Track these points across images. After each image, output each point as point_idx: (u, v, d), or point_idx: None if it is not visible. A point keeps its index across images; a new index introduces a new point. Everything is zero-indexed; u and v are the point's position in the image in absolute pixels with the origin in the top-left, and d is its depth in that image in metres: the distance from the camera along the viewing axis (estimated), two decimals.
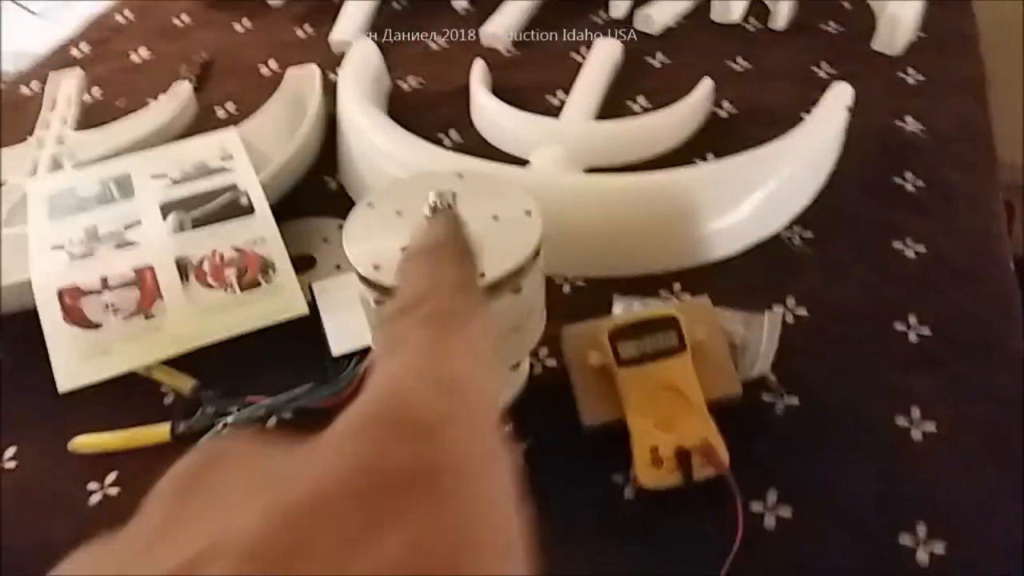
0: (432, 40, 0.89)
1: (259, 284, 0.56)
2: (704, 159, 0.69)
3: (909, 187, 0.64)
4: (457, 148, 0.75)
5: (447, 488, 0.17)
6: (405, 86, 0.83)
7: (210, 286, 0.56)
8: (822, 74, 0.77)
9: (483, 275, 0.42)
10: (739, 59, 0.80)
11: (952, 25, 0.82)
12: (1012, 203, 1.33)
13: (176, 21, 0.98)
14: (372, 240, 0.44)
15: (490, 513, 0.18)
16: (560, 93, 0.79)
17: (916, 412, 0.49)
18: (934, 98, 0.73)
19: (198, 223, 0.60)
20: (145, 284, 0.56)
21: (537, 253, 0.44)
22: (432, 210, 0.43)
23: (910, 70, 0.76)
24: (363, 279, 0.43)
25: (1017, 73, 1.28)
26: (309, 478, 0.17)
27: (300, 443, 0.19)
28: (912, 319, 0.54)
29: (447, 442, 0.18)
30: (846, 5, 0.86)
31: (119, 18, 1.01)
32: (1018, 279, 1.12)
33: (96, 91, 0.87)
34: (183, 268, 0.57)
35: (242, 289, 0.56)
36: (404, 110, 0.80)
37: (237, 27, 0.96)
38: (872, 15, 0.83)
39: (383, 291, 0.42)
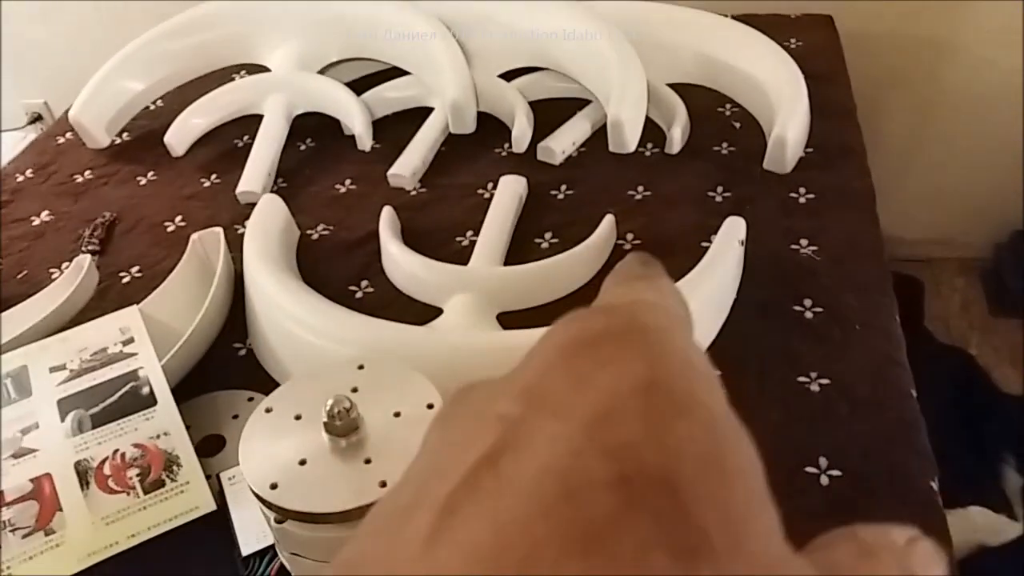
0: (340, 183, 0.90)
1: (163, 483, 0.54)
2: None
3: (808, 315, 0.66)
4: (369, 299, 0.75)
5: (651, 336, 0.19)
6: (315, 234, 0.83)
7: (112, 491, 0.54)
8: (718, 198, 0.80)
9: (384, 484, 0.41)
10: (639, 187, 0.83)
11: (838, 140, 0.86)
12: (919, 279, 1.38)
13: (78, 177, 0.97)
14: (271, 453, 0.43)
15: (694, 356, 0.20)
16: (469, 234, 0.80)
17: None
18: (825, 216, 0.76)
19: (98, 420, 0.58)
20: (43, 495, 0.54)
21: None
22: (330, 416, 0.43)
23: (801, 189, 0.79)
24: (260, 500, 0.42)
25: (926, 148, 1.36)
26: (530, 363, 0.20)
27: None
28: (822, 461, 0.55)
29: (639, 313, 0.21)
30: (736, 125, 0.90)
31: (19, 178, 0.99)
32: (943, 367, 1.16)
33: None
34: (83, 474, 0.55)
35: (145, 491, 0.54)
36: (314, 261, 0.80)
37: (141, 180, 0.95)
38: (762, 134, 0.87)
39: (282, 512, 0.41)
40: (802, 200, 0.78)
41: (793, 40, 1.03)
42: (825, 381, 0.60)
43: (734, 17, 1.01)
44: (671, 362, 0.19)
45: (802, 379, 0.61)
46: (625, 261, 0.26)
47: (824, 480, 0.54)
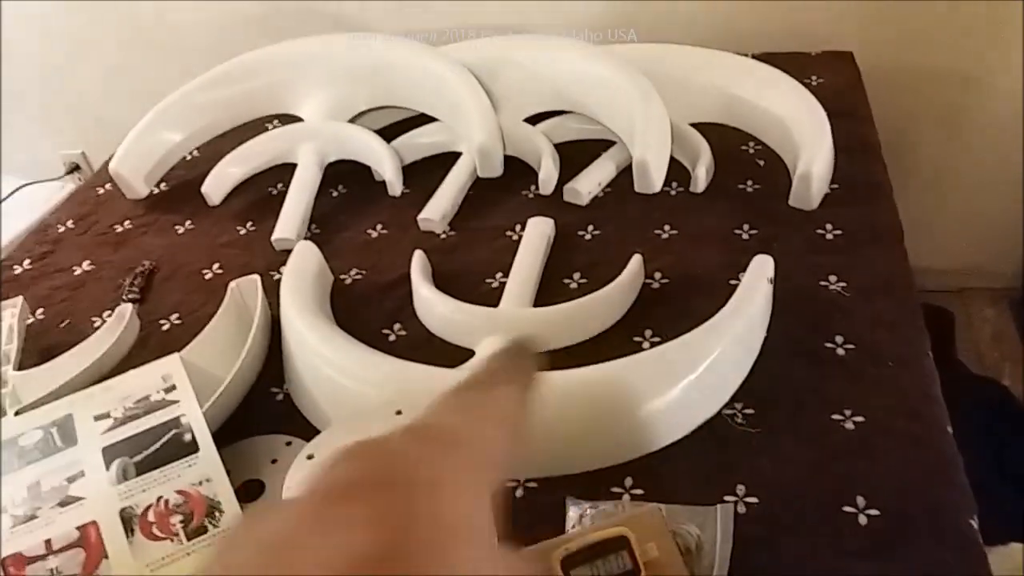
0: (372, 228, 0.92)
1: (206, 530, 0.55)
2: (641, 335, 0.71)
3: (840, 352, 0.66)
4: (402, 342, 0.76)
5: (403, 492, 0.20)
6: (348, 279, 0.85)
7: (156, 537, 0.55)
8: (745, 236, 0.81)
9: None
10: (665, 226, 0.84)
11: (863, 175, 0.86)
12: (950, 310, 1.37)
13: (118, 227, 1.00)
14: None
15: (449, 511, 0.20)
16: (499, 275, 0.81)
17: None
18: (853, 252, 0.76)
19: (142, 468, 0.59)
20: (90, 543, 0.55)
21: None
22: None
23: (827, 225, 0.80)
24: None
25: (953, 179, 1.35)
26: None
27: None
28: (860, 500, 0.55)
29: (413, 460, 0.21)
30: (760, 163, 0.91)
31: (60, 228, 1.02)
32: (977, 399, 1.15)
33: (39, 312, 0.87)
34: (128, 521, 0.56)
35: (188, 537, 0.55)
36: (348, 305, 0.81)
37: (179, 229, 0.98)
38: (786, 171, 0.88)
39: None
40: (829, 236, 0.79)
41: (814, 77, 1.04)
42: (860, 419, 0.60)
43: (754, 56, 1.02)
44: (414, 532, 0.19)
45: (836, 417, 0.61)
46: (506, 347, 0.28)
47: (863, 519, 0.54)
